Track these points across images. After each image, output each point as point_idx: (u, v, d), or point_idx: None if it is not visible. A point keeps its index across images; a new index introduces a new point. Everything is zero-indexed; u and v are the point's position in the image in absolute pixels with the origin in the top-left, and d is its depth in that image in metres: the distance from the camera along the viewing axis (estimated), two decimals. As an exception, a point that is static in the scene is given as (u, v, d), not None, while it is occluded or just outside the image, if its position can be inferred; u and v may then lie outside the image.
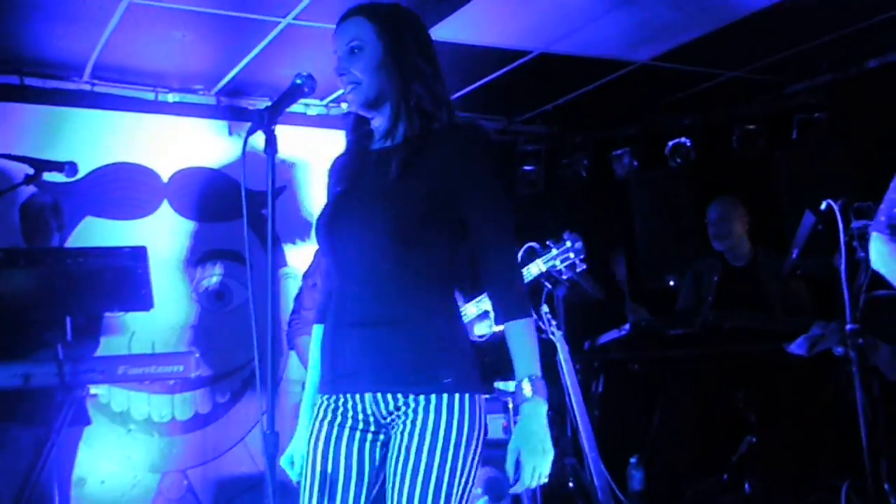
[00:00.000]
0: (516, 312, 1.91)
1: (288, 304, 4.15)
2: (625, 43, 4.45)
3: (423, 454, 1.86)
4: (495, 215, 1.94)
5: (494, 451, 4.24)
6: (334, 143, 5.21)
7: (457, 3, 3.86)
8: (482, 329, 3.61)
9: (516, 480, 1.87)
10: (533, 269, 3.38)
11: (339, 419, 1.96)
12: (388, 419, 1.93)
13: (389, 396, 1.90)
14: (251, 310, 1.93)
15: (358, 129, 2.10)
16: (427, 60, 2.03)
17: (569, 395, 3.71)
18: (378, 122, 2.05)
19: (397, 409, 1.91)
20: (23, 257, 2.85)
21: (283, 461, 2.11)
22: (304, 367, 3.73)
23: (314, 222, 2.06)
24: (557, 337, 3.69)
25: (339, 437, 1.96)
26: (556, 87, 5.16)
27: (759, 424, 4.08)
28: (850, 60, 4.76)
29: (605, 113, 5.48)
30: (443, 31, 4.12)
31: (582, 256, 3.38)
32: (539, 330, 3.66)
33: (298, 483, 2.02)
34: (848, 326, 3.25)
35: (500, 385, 4.42)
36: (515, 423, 2.17)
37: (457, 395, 1.89)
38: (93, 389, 3.88)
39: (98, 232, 4.52)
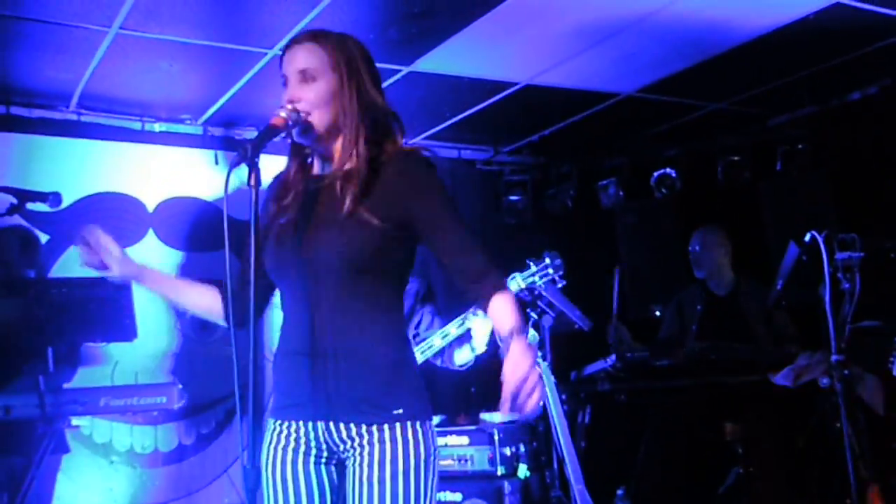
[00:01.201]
0: (497, 288, 1.93)
1: (272, 333, 4.13)
2: (610, 75, 4.49)
3: (379, 484, 1.88)
4: (454, 226, 1.96)
5: (480, 484, 4.25)
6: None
7: (443, 34, 3.89)
8: (463, 356, 3.62)
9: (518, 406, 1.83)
10: (512, 286, 3.42)
11: (292, 444, 1.99)
12: (341, 447, 1.95)
13: (341, 426, 1.92)
14: (233, 341, 1.92)
15: (297, 155, 2.08)
16: (378, 90, 2.04)
17: (555, 426, 3.70)
18: (319, 150, 2.04)
19: (350, 438, 1.93)
20: (4, 287, 2.83)
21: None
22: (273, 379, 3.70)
23: (266, 244, 2.05)
24: (543, 368, 3.69)
25: (294, 462, 1.98)
26: (542, 118, 5.20)
27: (746, 455, 4.07)
28: (832, 93, 4.82)
29: (591, 144, 5.52)
30: (429, 63, 4.15)
31: (561, 273, 3.45)
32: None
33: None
34: (833, 357, 3.26)
35: (485, 416, 4.40)
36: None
37: (408, 424, 1.92)
38: (74, 421, 3.84)
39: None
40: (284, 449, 1.99)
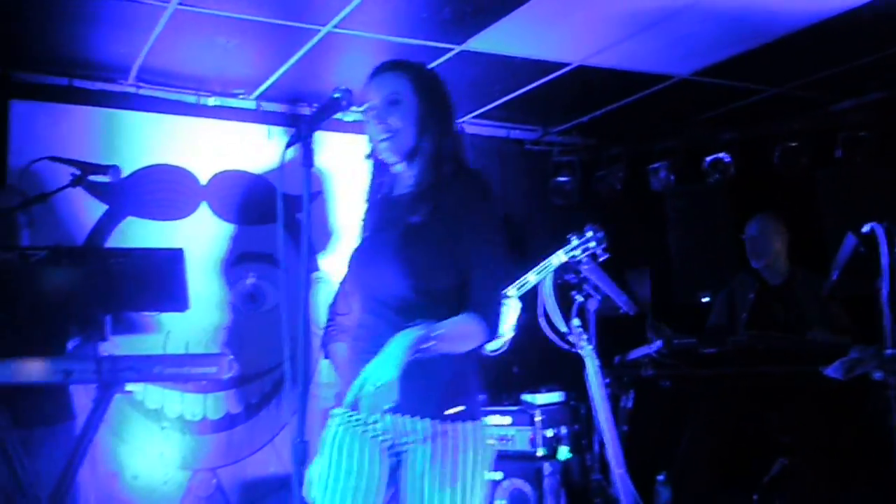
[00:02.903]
0: (478, 310, 2.08)
1: (319, 307, 4.19)
2: (665, 57, 4.43)
3: (435, 479, 2.05)
4: (486, 260, 2.12)
5: (520, 464, 4.27)
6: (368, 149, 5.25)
7: (496, 14, 3.87)
8: (492, 342, 3.61)
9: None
10: (553, 261, 3.44)
11: (353, 430, 2.15)
12: (403, 439, 2.12)
13: (402, 420, 2.09)
14: (283, 313, 1.98)
15: (381, 174, 2.31)
16: (453, 118, 2.25)
17: (597, 409, 3.70)
18: (401, 168, 2.25)
19: (413, 431, 2.09)
20: (66, 256, 2.91)
21: (309, 471, 2.22)
22: (337, 374, 3.76)
23: (349, 260, 2.31)
24: (587, 351, 3.68)
25: (351, 446, 2.14)
26: (593, 100, 5.15)
27: (792, 447, 4.03)
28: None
29: (642, 126, 5.46)
30: (481, 42, 4.14)
31: (603, 246, 3.45)
32: (569, 343, 3.66)
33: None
34: (888, 351, 3.20)
35: (526, 397, 4.42)
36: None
37: (467, 424, 2.10)
38: (128, 387, 3.95)
39: (138, 232, 4.60)
40: (352, 433, 2.15)
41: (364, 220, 2.35)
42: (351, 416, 2.17)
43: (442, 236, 2.12)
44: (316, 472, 2.18)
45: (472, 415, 2.12)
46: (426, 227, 2.13)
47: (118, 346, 3.99)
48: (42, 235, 3.91)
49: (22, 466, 3.02)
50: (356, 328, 2.24)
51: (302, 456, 1.95)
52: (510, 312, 3.50)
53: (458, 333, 2.07)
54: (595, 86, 4.82)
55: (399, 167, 2.25)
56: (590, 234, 3.50)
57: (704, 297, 5.04)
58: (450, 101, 2.26)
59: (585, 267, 3.53)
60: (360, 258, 2.26)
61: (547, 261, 3.45)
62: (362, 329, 2.21)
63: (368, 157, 2.29)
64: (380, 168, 2.30)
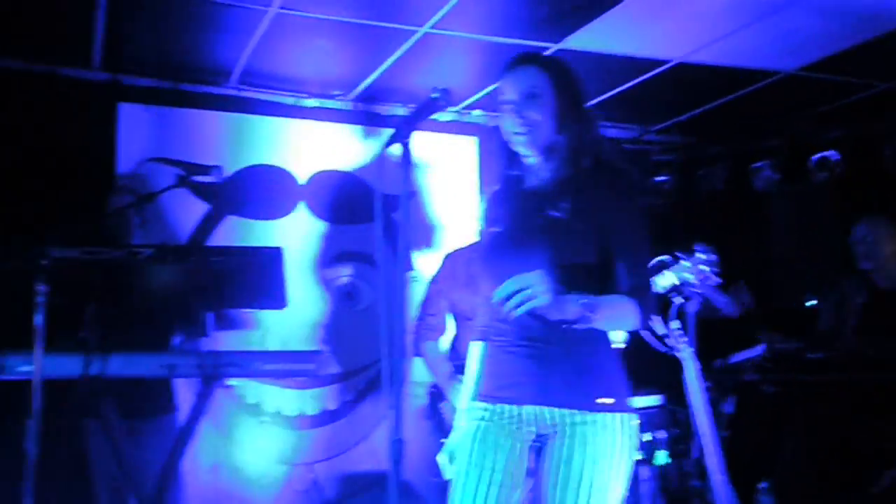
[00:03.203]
0: (634, 295, 2.10)
1: (414, 306, 4.21)
2: (769, 53, 4.29)
3: (579, 469, 2.06)
4: (635, 251, 2.15)
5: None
6: (466, 149, 5.27)
7: (594, 11, 3.82)
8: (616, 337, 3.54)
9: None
10: (662, 282, 3.29)
11: (497, 423, 2.18)
12: (547, 431, 2.13)
13: (549, 410, 2.11)
14: (380, 311, 2.00)
15: (512, 166, 2.29)
16: (588, 109, 2.23)
17: (695, 414, 3.60)
18: (536, 161, 2.24)
19: (556, 423, 2.11)
20: (171, 254, 3.00)
21: (440, 457, 2.38)
22: (430, 373, 3.77)
23: (481, 252, 2.31)
24: (687, 354, 3.59)
25: (496, 439, 2.17)
26: (693, 97, 5.03)
27: (904, 458, 3.85)
28: None
29: (745, 124, 5.30)
30: (578, 41, 4.09)
31: (716, 270, 3.28)
32: (668, 346, 3.57)
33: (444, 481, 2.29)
34: None
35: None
36: None
37: (615, 416, 2.10)
38: (228, 381, 4.06)
39: (238, 231, 4.72)
40: (492, 426, 2.18)
41: (489, 211, 2.32)
42: (492, 408, 2.20)
43: (583, 231, 2.12)
44: (457, 459, 2.22)
45: (619, 407, 2.12)
46: (568, 222, 2.13)
47: (219, 341, 4.11)
48: (150, 234, 4.06)
49: (128, 456, 3.14)
50: (494, 322, 2.24)
51: (398, 454, 1.97)
52: None
53: (618, 311, 2.09)
54: (695, 83, 4.71)
55: (533, 160, 2.24)
56: (702, 255, 3.26)
57: (810, 300, 4.85)
58: (585, 93, 2.25)
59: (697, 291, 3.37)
60: (495, 251, 2.25)
61: (654, 281, 3.29)
62: (503, 322, 2.20)
63: (500, 149, 2.29)
64: (510, 160, 2.29)
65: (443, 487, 3.46)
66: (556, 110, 2.18)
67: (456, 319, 3.81)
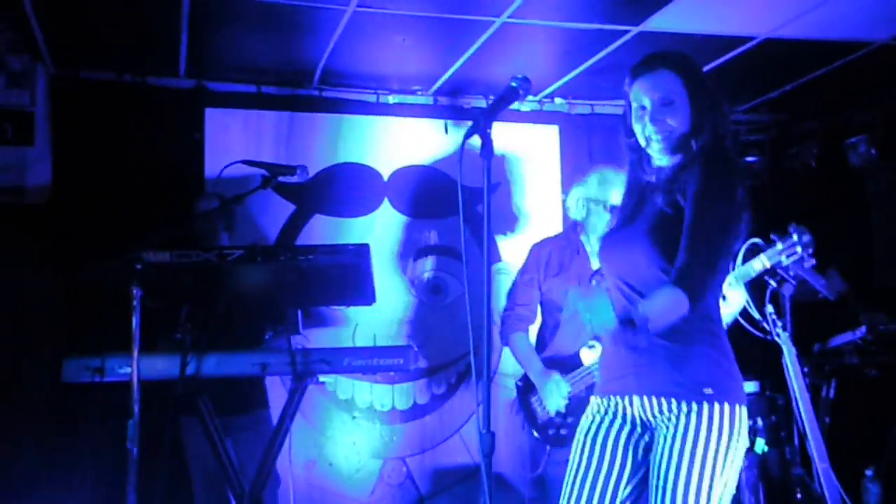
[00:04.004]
0: (679, 281, 2.04)
1: (500, 299, 4.20)
2: (863, 22, 4.10)
3: (685, 457, 2.09)
4: (705, 228, 2.08)
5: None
6: (547, 137, 5.22)
7: (675, -9, 3.73)
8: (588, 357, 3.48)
9: None
10: (756, 265, 3.17)
11: (608, 417, 2.25)
12: (654, 422, 2.18)
13: (655, 400, 2.15)
14: (467, 304, 2.00)
15: (643, 167, 2.32)
16: (722, 105, 2.23)
17: (796, 400, 3.49)
18: (668, 161, 2.26)
19: (661, 413, 2.15)
20: (260, 254, 3.05)
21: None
22: (520, 364, 3.75)
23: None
24: (784, 338, 3.48)
25: (607, 433, 2.24)
26: (782, 74, 4.86)
27: None
28: None
29: (838, 98, 5.09)
30: (660, 21, 3.99)
31: (811, 251, 3.14)
32: (763, 331, 3.47)
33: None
34: None
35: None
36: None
37: (716, 404, 2.11)
38: (321, 378, 4.12)
39: (325, 229, 4.79)
40: (601, 420, 2.26)
41: (619, 209, 2.41)
42: (600, 402, 2.28)
43: (683, 218, 2.13)
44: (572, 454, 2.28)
45: (726, 397, 2.12)
46: (669, 211, 2.16)
47: (310, 339, 4.17)
48: (238, 236, 4.15)
49: (226, 451, 3.21)
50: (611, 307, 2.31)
51: (489, 447, 1.96)
52: (729, 299, 3.15)
53: (656, 307, 2.07)
54: (784, 59, 4.54)
55: (665, 160, 2.27)
56: (795, 237, 3.13)
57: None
58: (713, 89, 2.25)
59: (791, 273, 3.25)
60: (609, 245, 2.34)
61: (748, 265, 3.19)
62: (616, 309, 2.28)
63: (635, 151, 2.31)
64: (641, 161, 2.32)
65: (536, 481, 3.45)
66: (690, 115, 2.19)
67: (543, 309, 3.78)
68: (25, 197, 4.32)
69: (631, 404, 2.22)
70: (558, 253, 3.67)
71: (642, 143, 2.25)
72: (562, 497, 2.24)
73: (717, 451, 2.10)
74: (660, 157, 2.26)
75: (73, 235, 4.23)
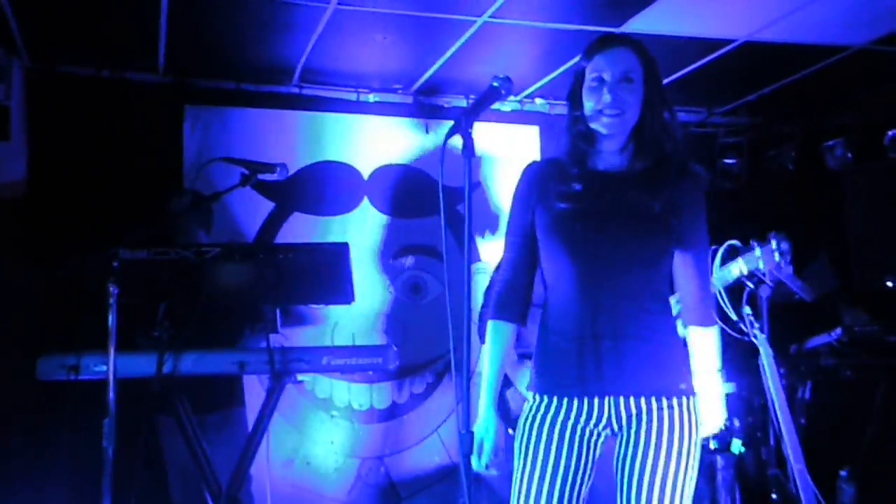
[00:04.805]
0: (710, 322, 2.33)
1: (479, 298, 4.20)
2: (841, 26, 4.14)
3: (663, 450, 2.11)
4: (704, 248, 2.28)
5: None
6: (527, 138, 5.22)
7: (656, -8, 3.74)
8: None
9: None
10: (734, 270, 3.21)
11: (570, 418, 2.17)
12: (629, 420, 2.15)
13: (634, 400, 2.14)
14: (447, 304, 2.00)
15: (580, 145, 2.23)
16: (670, 105, 2.23)
17: (772, 401, 3.51)
18: (611, 146, 2.21)
19: (640, 411, 2.13)
20: (238, 252, 3.04)
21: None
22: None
23: (557, 227, 2.22)
24: (760, 340, 3.50)
25: (569, 434, 2.16)
26: (761, 76, 4.90)
27: None
28: None
29: (816, 101, 5.14)
30: (640, 23, 4.01)
31: (788, 258, 3.18)
32: (741, 332, 3.49)
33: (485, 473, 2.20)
34: None
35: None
36: None
37: (689, 399, 2.17)
38: (299, 377, 4.11)
39: (304, 227, 4.77)
40: (563, 421, 2.17)
41: (555, 186, 2.24)
42: (557, 401, 2.19)
43: (667, 220, 2.16)
44: (516, 453, 2.21)
45: (690, 392, 2.19)
46: (654, 209, 2.15)
47: (288, 337, 4.16)
48: (217, 233, 4.12)
49: (203, 450, 3.19)
50: (567, 308, 2.18)
51: (468, 447, 1.96)
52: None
53: (718, 349, 2.35)
54: (763, 62, 4.58)
55: (611, 143, 2.21)
56: (774, 244, 3.19)
57: (889, 280, 4.69)
58: (666, 90, 2.27)
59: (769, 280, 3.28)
60: (577, 229, 2.18)
61: (726, 269, 3.23)
62: (578, 308, 2.16)
63: (572, 126, 2.23)
64: (585, 139, 2.22)
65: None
66: (643, 96, 2.17)
67: None
68: (0, 192, 4.27)
69: (602, 404, 2.15)
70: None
71: (589, 115, 2.17)
72: (518, 496, 2.16)
73: (690, 446, 2.14)
74: (607, 137, 2.19)
75: (48, 231, 4.19)
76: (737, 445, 4.13)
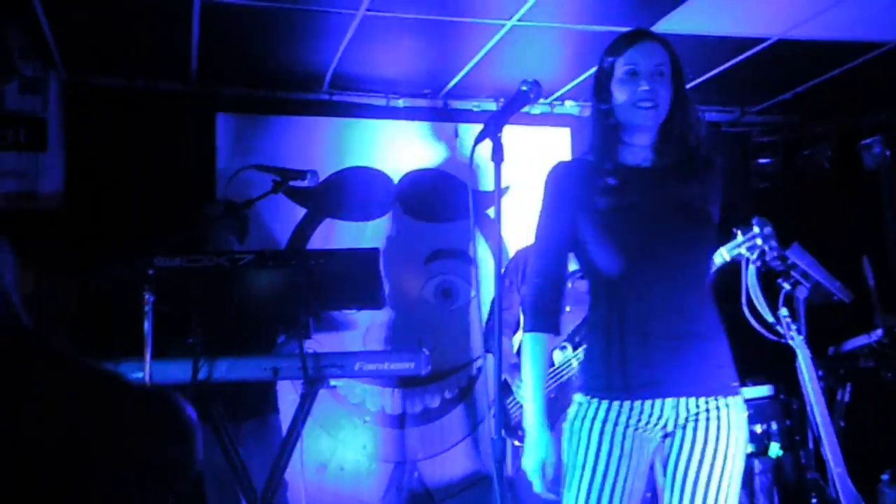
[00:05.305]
0: None
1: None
2: (877, 23, 4.07)
3: (717, 451, 2.10)
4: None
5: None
6: (558, 141, 5.20)
7: (687, -8, 3.71)
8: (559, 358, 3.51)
9: None
10: (716, 259, 3.15)
11: (621, 421, 2.13)
12: (686, 420, 2.13)
13: (692, 401, 2.12)
14: (479, 308, 1.99)
15: (611, 141, 2.21)
16: (692, 104, 2.24)
17: (810, 404, 3.46)
18: (642, 139, 2.19)
19: (698, 411, 2.12)
20: (271, 259, 3.05)
21: (531, 467, 2.17)
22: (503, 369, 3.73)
23: (602, 225, 2.18)
24: (798, 342, 3.45)
25: (623, 438, 2.13)
26: (795, 75, 4.83)
27: None
28: None
29: (852, 99, 5.06)
30: (672, 23, 3.97)
31: (773, 243, 3.14)
32: (777, 334, 3.44)
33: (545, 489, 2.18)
34: None
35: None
36: None
37: (738, 397, 2.16)
38: (332, 382, 4.12)
39: (335, 233, 4.78)
40: (603, 423, 2.14)
41: (587, 186, 2.19)
42: (612, 406, 2.14)
43: (710, 215, 2.19)
44: (568, 457, 2.17)
45: (739, 389, 2.19)
46: (699, 205, 2.17)
47: (321, 343, 4.17)
48: (249, 240, 4.15)
49: (238, 457, 3.21)
50: (629, 308, 2.13)
51: (500, 452, 1.95)
52: None
53: None
54: (797, 60, 4.51)
55: (642, 137, 2.20)
56: (756, 229, 3.14)
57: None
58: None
59: (797, 260, 3.24)
60: (626, 230, 2.14)
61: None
62: (642, 310, 2.12)
63: (610, 117, 2.19)
64: (612, 133, 2.20)
65: (509, 484, 3.42)
66: (673, 92, 2.17)
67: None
68: (39, 203, 4.34)
69: (657, 406, 2.12)
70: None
71: (622, 108, 2.15)
72: (573, 501, 2.13)
73: (745, 441, 2.16)
74: (638, 130, 2.17)
75: (85, 241, 4.24)
76: (774, 449, 4.08)
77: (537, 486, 2.16)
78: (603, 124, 2.20)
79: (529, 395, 2.21)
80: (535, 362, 2.20)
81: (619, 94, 2.15)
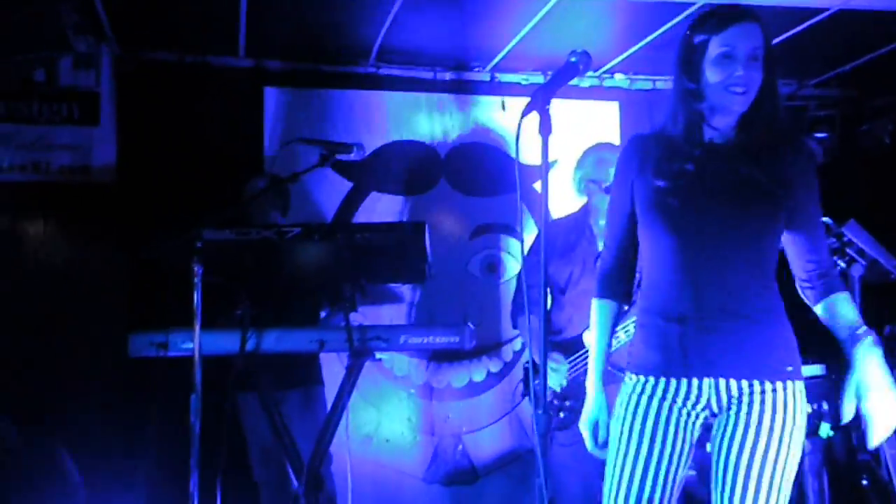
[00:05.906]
0: (837, 287, 2.20)
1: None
2: (941, -8, 3.93)
3: (764, 435, 2.06)
4: (818, 222, 2.20)
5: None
6: (607, 114, 5.13)
7: (742, -39, 3.60)
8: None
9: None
10: None
11: (668, 399, 2.13)
12: (730, 402, 2.11)
13: (736, 382, 2.09)
14: (524, 283, 1.97)
15: (693, 119, 2.15)
16: (779, 87, 2.18)
17: (865, 384, 3.39)
18: (727, 121, 2.15)
19: (742, 393, 2.09)
20: (317, 232, 3.06)
21: (585, 425, 2.27)
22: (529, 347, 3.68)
23: (654, 203, 2.16)
24: (853, 321, 3.37)
25: (665, 414, 2.13)
26: (855, 47, 4.69)
27: None
28: None
29: (914, 72, 4.90)
30: (725, -7, 3.88)
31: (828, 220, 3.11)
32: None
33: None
34: None
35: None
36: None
37: (797, 382, 2.12)
38: (378, 355, 4.15)
39: (381, 207, 4.79)
40: (661, 401, 2.14)
41: (652, 160, 2.18)
42: (664, 384, 2.14)
43: (776, 194, 2.11)
44: (613, 433, 2.19)
45: (800, 374, 2.14)
46: (771, 190, 2.10)
47: (367, 316, 4.19)
48: (296, 213, 4.18)
49: (285, 427, 3.25)
50: (669, 287, 2.13)
51: (544, 427, 1.95)
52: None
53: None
54: (858, 31, 4.37)
55: (727, 119, 2.14)
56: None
57: None
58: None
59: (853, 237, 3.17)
60: (676, 209, 2.12)
61: None
62: (681, 287, 2.12)
63: (697, 99, 2.12)
64: (698, 114, 2.14)
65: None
66: (764, 76, 2.10)
67: (552, 292, 3.70)
68: (92, 176, 4.42)
69: (707, 386, 2.10)
70: (564, 234, 3.54)
71: (712, 89, 2.09)
72: (616, 482, 2.14)
73: (797, 429, 2.10)
74: (723, 113, 2.12)
75: (137, 213, 4.32)
76: (825, 429, 4.00)
77: (589, 445, 2.26)
78: (688, 102, 2.13)
79: (591, 358, 2.29)
80: (600, 328, 2.30)
81: (712, 76, 2.08)
